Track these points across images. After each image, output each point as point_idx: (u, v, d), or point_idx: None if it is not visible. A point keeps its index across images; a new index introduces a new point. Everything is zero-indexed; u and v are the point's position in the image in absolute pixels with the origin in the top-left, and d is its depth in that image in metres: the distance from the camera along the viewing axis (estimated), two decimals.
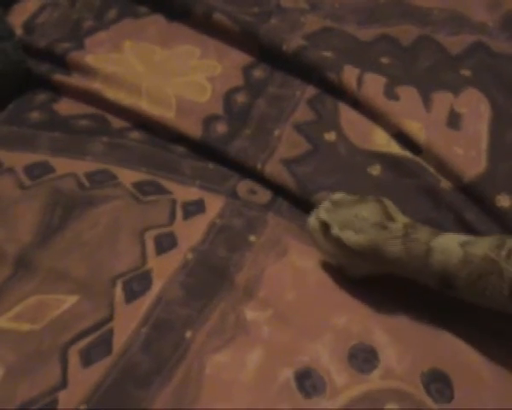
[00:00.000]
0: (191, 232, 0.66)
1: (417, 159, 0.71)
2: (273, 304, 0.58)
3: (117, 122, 0.83)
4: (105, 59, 0.88)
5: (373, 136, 0.74)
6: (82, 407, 0.52)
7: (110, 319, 0.58)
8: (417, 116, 0.72)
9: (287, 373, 0.53)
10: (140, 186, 0.72)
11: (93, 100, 0.85)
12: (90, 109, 0.85)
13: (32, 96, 0.89)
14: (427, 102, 0.74)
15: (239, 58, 0.86)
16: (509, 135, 0.71)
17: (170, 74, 0.85)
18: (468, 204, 0.67)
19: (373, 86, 0.75)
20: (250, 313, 0.58)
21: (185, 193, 0.71)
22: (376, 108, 0.74)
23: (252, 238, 0.64)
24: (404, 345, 0.55)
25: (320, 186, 0.69)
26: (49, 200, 0.70)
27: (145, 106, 0.82)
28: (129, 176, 0.73)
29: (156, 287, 0.60)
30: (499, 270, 0.52)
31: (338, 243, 0.59)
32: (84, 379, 0.54)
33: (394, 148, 0.72)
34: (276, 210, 0.70)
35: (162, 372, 0.54)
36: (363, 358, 0.54)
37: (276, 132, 0.76)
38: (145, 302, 0.59)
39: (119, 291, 0.60)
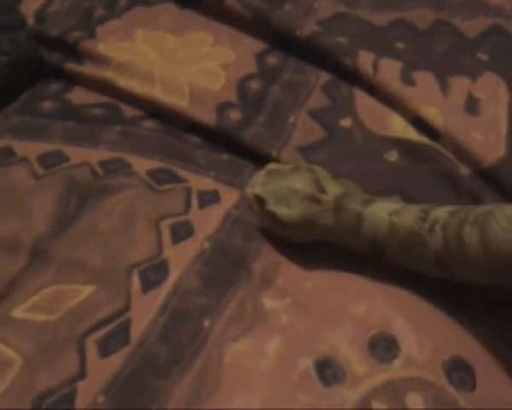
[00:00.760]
0: (207, 221, 0.65)
1: (435, 145, 0.70)
2: (291, 292, 0.58)
3: (130, 111, 0.83)
4: (117, 47, 0.87)
5: (389, 121, 0.73)
6: (100, 397, 0.52)
7: (127, 308, 0.58)
8: (434, 101, 0.71)
9: (306, 362, 0.53)
10: (154, 174, 0.71)
11: (106, 88, 0.85)
12: (102, 98, 0.85)
13: (45, 86, 0.89)
14: (444, 87, 0.72)
15: (252, 45, 0.85)
16: None
17: (182, 62, 0.84)
18: (488, 190, 0.66)
19: (389, 71, 0.74)
20: (268, 302, 0.57)
21: (200, 182, 0.70)
22: (393, 94, 0.73)
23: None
24: (425, 333, 0.55)
25: (336, 173, 0.68)
26: (64, 189, 0.70)
27: (158, 94, 0.81)
28: (143, 164, 0.73)
29: (173, 276, 0.60)
30: (423, 242, 0.53)
31: (273, 216, 0.60)
32: (103, 369, 0.54)
33: (411, 133, 0.71)
34: None
35: (181, 362, 0.53)
36: (383, 347, 0.54)
37: (291, 119, 0.75)
38: (162, 292, 0.59)
39: (135, 281, 0.60)
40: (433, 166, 0.69)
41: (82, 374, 0.54)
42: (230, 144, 0.75)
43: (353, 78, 0.77)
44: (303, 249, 0.61)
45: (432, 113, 0.70)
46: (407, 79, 0.73)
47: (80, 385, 0.53)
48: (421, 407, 0.50)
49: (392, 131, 0.72)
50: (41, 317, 0.59)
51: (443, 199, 0.65)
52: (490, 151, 0.67)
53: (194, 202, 0.68)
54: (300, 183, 0.60)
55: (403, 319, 0.55)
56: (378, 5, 0.87)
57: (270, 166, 0.64)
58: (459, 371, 0.53)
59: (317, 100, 0.77)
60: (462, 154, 0.68)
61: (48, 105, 0.85)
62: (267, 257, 0.61)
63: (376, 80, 0.74)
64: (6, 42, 0.87)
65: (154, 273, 0.60)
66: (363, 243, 0.58)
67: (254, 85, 0.80)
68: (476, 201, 0.65)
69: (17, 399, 0.54)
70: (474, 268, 0.51)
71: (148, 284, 0.59)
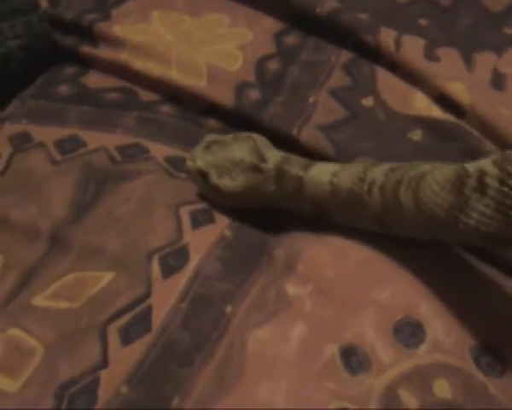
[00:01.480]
0: (228, 209, 0.64)
1: (460, 122, 0.68)
2: (314, 279, 0.56)
3: (146, 95, 0.81)
4: (133, 29, 0.86)
5: (413, 99, 0.71)
6: (123, 387, 0.52)
7: (148, 295, 0.57)
8: (460, 77, 0.69)
9: (331, 349, 0.52)
10: (173, 161, 0.70)
11: (122, 72, 0.83)
12: (118, 82, 0.83)
13: (60, 70, 0.88)
14: (469, 63, 0.71)
15: (270, 25, 0.83)
16: None
17: (199, 43, 0.83)
18: None
19: (412, 48, 0.72)
20: (291, 288, 0.56)
21: None
22: (416, 71, 0.71)
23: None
24: (452, 318, 0.53)
25: (358, 151, 0.66)
26: (82, 175, 0.69)
27: (175, 75, 0.80)
28: (161, 150, 0.72)
29: (193, 262, 0.59)
30: (363, 203, 0.55)
31: (217, 189, 0.62)
32: (125, 358, 0.53)
33: (436, 111, 0.69)
34: None
35: (203, 349, 0.53)
36: (409, 332, 0.52)
37: (311, 99, 0.73)
38: (183, 277, 0.58)
39: (155, 267, 0.59)
40: (458, 144, 0.67)
41: (104, 363, 0.53)
42: (248, 126, 0.73)
43: (375, 55, 0.75)
44: (324, 240, 0.60)
45: (457, 89, 0.68)
46: (431, 56, 0.72)
47: (103, 374, 0.53)
48: (449, 394, 0.49)
49: (415, 110, 0.70)
50: (63, 305, 0.58)
51: None
52: None
53: None
54: (241, 152, 0.61)
55: (428, 303, 0.54)
56: None
57: (209, 137, 0.65)
58: (487, 356, 0.51)
59: (338, 79, 0.75)
60: (489, 130, 0.66)
61: (63, 89, 0.84)
62: (289, 245, 0.60)
63: (399, 57, 0.72)
64: (19, 25, 0.86)
65: (174, 259, 0.59)
66: (307, 205, 0.59)
67: (273, 66, 0.78)
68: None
69: (40, 388, 0.53)
70: (412, 226, 0.52)
71: (169, 270, 0.58)
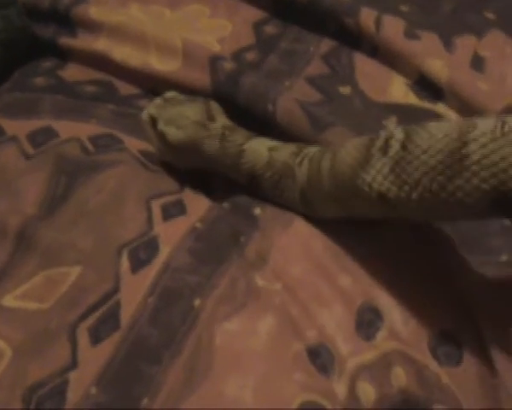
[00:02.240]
0: (200, 201, 0.63)
1: (437, 107, 0.67)
2: (282, 277, 0.55)
3: (125, 88, 0.80)
4: (110, 10, 0.84)
5: (390, 87, 0.70)
6: (93, 389, 0.50)
7: (116, 290, 0.55)
8: (439, 55, 0.68)
9: (298, 346, 0.50)
10: (147, 155, 0.69)
11: (100, 64, 0.82)
12: (97, 75, 0.82)
13: (38, 64, 0.86)
14: (449, 46, 0.69)
15: (250, 14, 0.82)
16: None
17: (178, 31, 0.81)
18: None
19: (392, 28, 0.71)
20: (261, 281, 0.54)
21: None
22: (396, 50, 0.70)
23: (257, 212, 0.60)
24: (411, 306, 0.52)
25: (332, 123, 0.65)
26: (54, 168, 0.67)
27: (153, 61, 0.78)
28: (135, 143, 0.70)
29: (163, 254, 0.57)
30: (293, 175, 0.56)
31: (162, 137, 0.63)
32: (95, 358, 0.52)
33: (412, 98, 0.69)
34: None
35: (171, 346, 0.51)
36: (367, 321, 0.51)
37: (287, 83, 0.72)
38: (152, 271, 0.56)
39: (124, 260, 0.57)
40: None
41: (74, 364, 0.52)
42: (225, 106, 0.71)
43: (356, 39, 0.73)
44: (292, 230, 0.58)
45: (437, 66, 0.67)
46: (411, 35, 0.70)
47: (72, 376, 0.51)
48: (404, 381, 0.48)
49: (392, 97, 0.70)
50: (32, 305, 0.57)
51: None
52: (495, 101, 0.63)
53: (188, 184, 0.65)
54: (193, 110, 0.63)
55: (388, 291, 0.52)
56: None
57: (168, 93, 0.67)
58: (445, 345, 0.50)
59: (316, 68, 0.73)
60: (468, 108, 0.65)
61: (40, 81, 0.82)
62: (259, 237, 0.58)
63: (379, 37, 0.71)
64: None
65: (143, 252, 0.57)
66: (242, 173, 0.61)
67: (251, 56, 0.76)
68: None
69: (8, 392, 0.51)
70: (326, 196, 0.53)
71: (138, 263, 0.56)
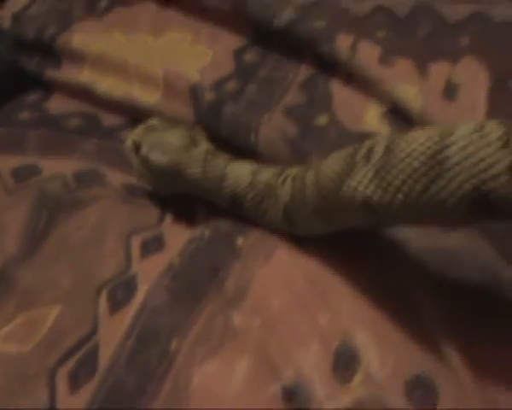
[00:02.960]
0: (180, 232, 0.62)
1: None
2: (261, 312, 0.54)
3: (108, 119, 0.80)
4: (93, 39, 0.85)
5: (365, 115, 0.69)
6: None
7: (94, 332, 0.54)
8: (413, 82, 0.67)
9: (274, 388, 0.49)
10: (130, 188, 0.69)
11: (84, 95, 0.82)
12: (81, 106, 0.83)
13: (23, 98, 0.87)
14: (423, 72, 0.68)
15: (231, 41, 0.81)
16: (508, 103, 0.65)
17: (160, 59, 0.81)
18: None
19: (367, 54, 0.70)
20: (238, 319, 0.53)
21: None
22: (370, 77, 0.68)
23: (239, 241, 0.60)
24: (387, 347, 0.50)
25: (311, 153, 0.66)
26: (35, 203, 0.67)
27: (135, 91, 0.79)
28: (118, 177, 0.70)
29: (141, 293, 0.56)
30: (276, 194, 0.57)
31: (146, 162, 0.64)
32: (72, 405, 0.51)
33: (385, 128, 0.67)
34: None
35: (148, 391, 0.50)
36: (344, 363, 0.50)
37: (266, 116, 0.71)
38: (130, 312, 0.55)
39: (103, 301, 0.56)
40: None
41: None
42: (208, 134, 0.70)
43: (332, 66, 0.72)
44: (274, 260, 0.58)
45: (410, 93, 0.66)
46: (386, 61, 0.69)
47: None
48: None
49: (367, 125, 0.68)
50: (13, 348, 0.56)
51: None
52: None
53: (169, 215, 0.65)
54: (176, 136, 0.64)
55: (365, 331, 0.51)
56: None
57: (151, 120, 0.67)
58: (421, 388, 0.48)
59: (294, 97, 0.73)
60: None
61: (24, 115, 0.83)
62: (240, 271, 0.57)
63: (354, 64, 0.70)
64: None
65: (122, 292, 0.57)
66: (224, 197, 0.61)
67: (230, 85, 0.76)
68: None
69: None
70: (311, 212, 0.53)
71: (116, 305, 0.56)
